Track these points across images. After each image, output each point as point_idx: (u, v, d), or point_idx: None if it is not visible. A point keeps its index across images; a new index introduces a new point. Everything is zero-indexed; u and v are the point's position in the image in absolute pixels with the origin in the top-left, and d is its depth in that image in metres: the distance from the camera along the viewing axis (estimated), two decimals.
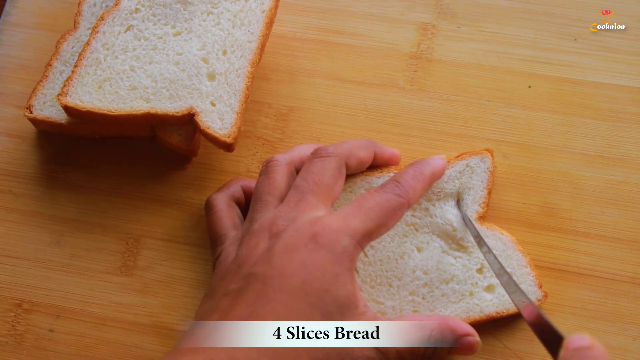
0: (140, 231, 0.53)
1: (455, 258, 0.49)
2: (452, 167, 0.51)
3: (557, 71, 0.57)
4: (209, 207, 0.50)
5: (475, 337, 0.44)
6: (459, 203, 0.51)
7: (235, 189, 0.51)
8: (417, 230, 0.50)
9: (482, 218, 0.50)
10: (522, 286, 0.49)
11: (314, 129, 0.56)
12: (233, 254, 0.45)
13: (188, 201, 0.54)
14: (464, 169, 0.51)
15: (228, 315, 0.41)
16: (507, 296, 0.48)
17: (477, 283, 0.49)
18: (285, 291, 0.40)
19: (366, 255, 0.49)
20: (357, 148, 0.48)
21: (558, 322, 0.49)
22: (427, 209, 0.50)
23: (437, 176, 0.49)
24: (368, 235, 0.43)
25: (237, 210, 0.50)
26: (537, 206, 0.53)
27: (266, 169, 0.48)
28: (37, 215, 0.54)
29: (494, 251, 0.48)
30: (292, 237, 0.42)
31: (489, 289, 0.49)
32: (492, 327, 0.49)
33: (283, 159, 0.48)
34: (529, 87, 0.56)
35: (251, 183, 0.52)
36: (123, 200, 0.54)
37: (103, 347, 0.50)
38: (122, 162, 0.55)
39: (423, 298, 0.49)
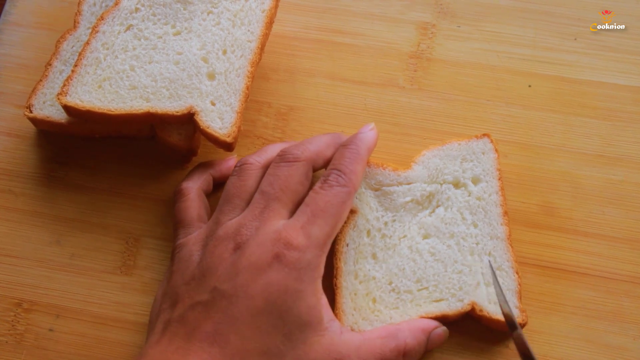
0: (140, 231, 0.53)
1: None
2: (451, 148, 0.52)
3: (557, 71, 0.57)
4: (179, 194, 0.51)
5: (442, 326, 0.47)
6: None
7: (206, 179, 0.52)
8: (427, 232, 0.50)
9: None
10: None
11: (314, 128, 0.56)
12: (197, 257, 0.46)
13: None
14: (466, 154, 0.52)
15: (195, 330, 0.43)
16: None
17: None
18: (249, 312, 0.42)
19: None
20: (325, 147, 0.49)
21: (558, 322, 0.49)
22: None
23: (372, 150, 0.49)
24: (329, 238, 0.45)
25: (205, 202, 0.51)
26: (537, 206, 0.53)
27: (239, 170, 0.49)
28: (37, 215, 0.54)
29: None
30: (255, 255, 0.44)
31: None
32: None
33: (257, 162, 0.49)
34: (529, 86, 0.56)
35: (221, 167, 0.53)
36: (123, 200, 0.54)
37: (103, 347, 0.50)
38: (122, 162, 0.55)
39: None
